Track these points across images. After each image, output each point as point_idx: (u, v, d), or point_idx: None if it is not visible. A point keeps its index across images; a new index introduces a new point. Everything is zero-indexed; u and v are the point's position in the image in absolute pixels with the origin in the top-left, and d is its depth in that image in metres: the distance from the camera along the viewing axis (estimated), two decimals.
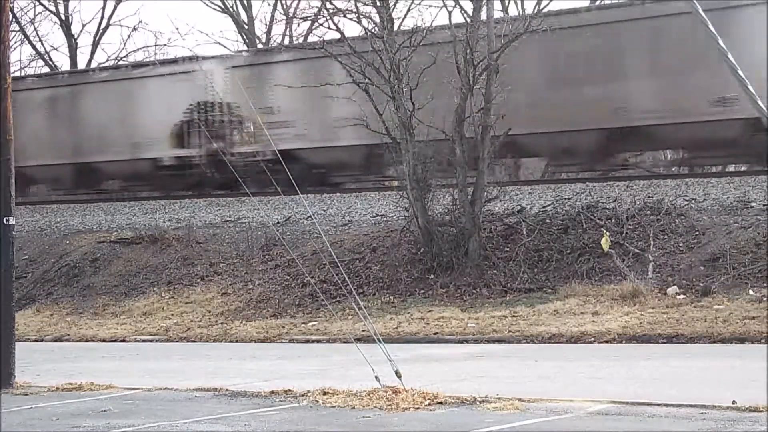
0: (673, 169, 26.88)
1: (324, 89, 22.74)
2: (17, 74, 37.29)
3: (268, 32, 45.81)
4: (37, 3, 45.44)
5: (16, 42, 44.37)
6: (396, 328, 18.11)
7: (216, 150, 26.79)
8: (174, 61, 31.52)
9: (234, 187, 27.55)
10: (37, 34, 48.26)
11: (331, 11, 22.87)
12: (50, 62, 46.72)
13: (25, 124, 31.98)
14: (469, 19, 20.88)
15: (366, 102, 21.09)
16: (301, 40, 41.00)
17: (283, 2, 45.49)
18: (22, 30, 45.44)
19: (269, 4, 63.10)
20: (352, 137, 24.91)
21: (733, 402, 9.53)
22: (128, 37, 59.76)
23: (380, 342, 11.23)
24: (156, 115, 29.22)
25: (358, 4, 21.90)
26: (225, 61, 29.27)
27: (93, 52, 46.16)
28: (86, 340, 20.57)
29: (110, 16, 46.31)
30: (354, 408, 10.30)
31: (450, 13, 21.38)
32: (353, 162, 26.91)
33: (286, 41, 42.93)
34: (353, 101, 21.15)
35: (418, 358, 14.49)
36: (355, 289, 18.96)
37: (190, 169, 28.90)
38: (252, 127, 27.87)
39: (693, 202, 20.67)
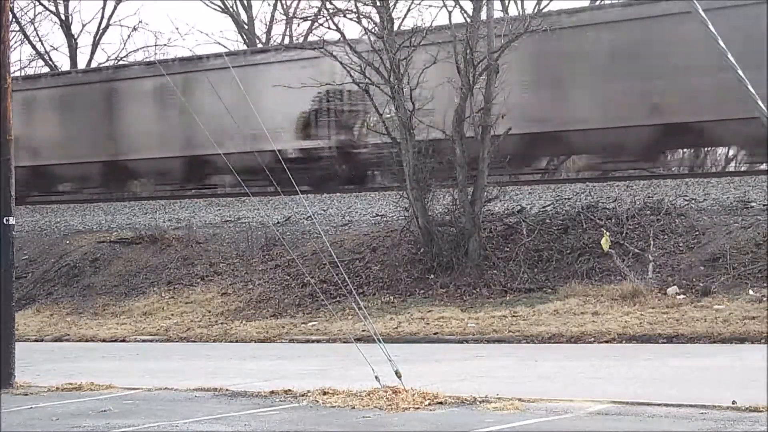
0: (672, 169, 26.80)
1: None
2: (17, 74, 37.17)
3: (268, 32, 45.86)
4: (37, 3, 45.48)
5: (16, 42, 44.41)
6: (396, 328, 18.11)
7: (346, 141, 25.40)
8: (299, 46, 29.40)
9: (362, 182, 25.84)
10: (37, 34, 48.28)
11: (331, 11, 22.87)
12: (50, 62, 46.76)
13: (129, 116, 30.59)
14: (469, 19, 20.88)
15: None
16: (301, 40, 40.95)
17: (283, 2, 45.53)
18: (22, 30, 45.44)
19: (269, 4, 63.19)
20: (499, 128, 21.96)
21: (733, 402, 9.53)
22: (128, 37, 59.63)
23: (380, 342, 11.23)
24: (278, 105, 26.66)
25: (358, 4, 21.92)
26: (356, 46, 27.41)
27: (93, 52, 46.22)
28: (86, 340, 20.57)
29: (110, 16, 46.36)
30: (354, 408, 10.29)
31: (450, 13, 21.41)
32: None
33: (286, 41, 42.89)
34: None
35: (418, 358, 14.49)
36: (355, 289, 18.96)
37: (316, 162, 26.60)
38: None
39: (693, 202, 20.67)
